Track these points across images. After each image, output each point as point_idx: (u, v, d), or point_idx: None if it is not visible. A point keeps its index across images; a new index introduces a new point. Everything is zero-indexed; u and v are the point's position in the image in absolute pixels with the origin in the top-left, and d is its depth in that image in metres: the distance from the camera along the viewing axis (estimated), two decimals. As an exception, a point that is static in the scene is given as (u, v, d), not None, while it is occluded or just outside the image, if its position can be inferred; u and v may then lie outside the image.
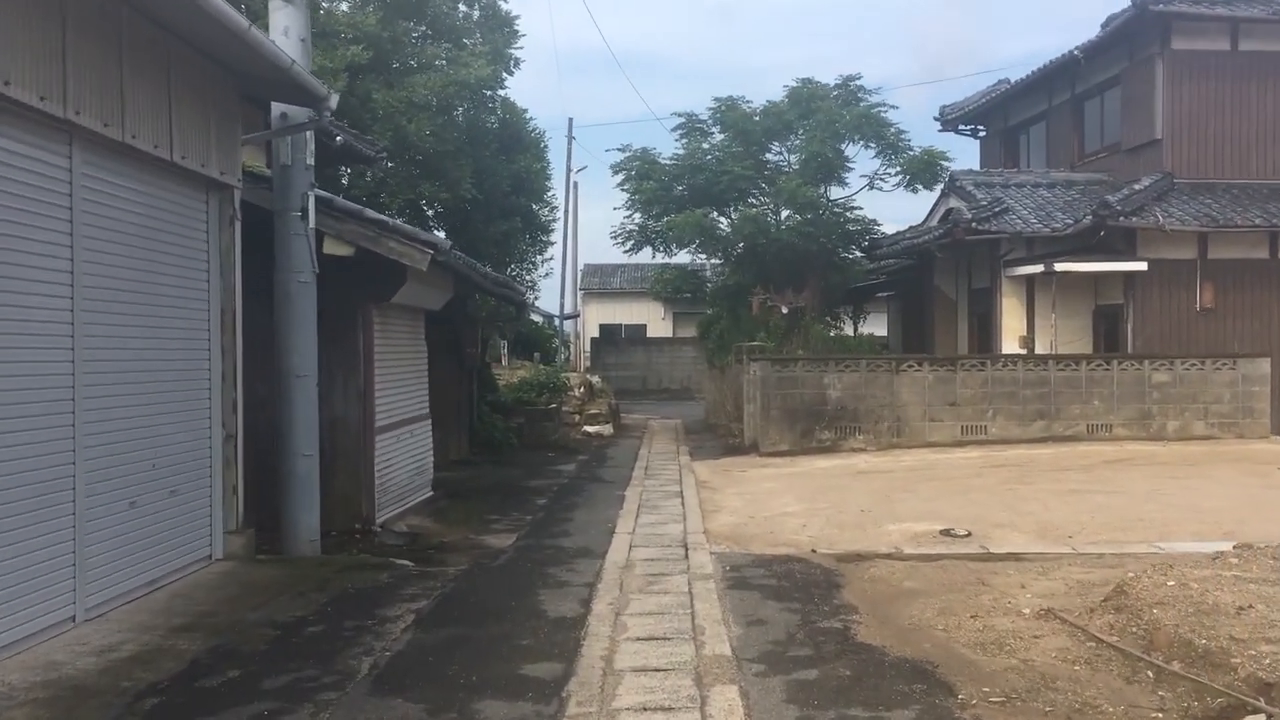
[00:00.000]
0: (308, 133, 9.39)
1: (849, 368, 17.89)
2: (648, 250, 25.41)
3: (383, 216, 9.99)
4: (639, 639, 6.70)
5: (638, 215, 23.86)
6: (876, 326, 33.95)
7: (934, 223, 22.63)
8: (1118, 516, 11.22)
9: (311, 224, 9.35)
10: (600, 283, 49.90)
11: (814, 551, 9.71)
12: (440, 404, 16.62)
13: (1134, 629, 6.45)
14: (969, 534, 10.46)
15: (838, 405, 17.78)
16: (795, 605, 7.62)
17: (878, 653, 6.36)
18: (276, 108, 9.29)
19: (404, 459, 11.72)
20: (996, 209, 19.62)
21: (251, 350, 9.40)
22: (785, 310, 21.29)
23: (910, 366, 18.01)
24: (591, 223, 73.61)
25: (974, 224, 19.00)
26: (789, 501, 12.85)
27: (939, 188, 22.57)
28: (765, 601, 7.76)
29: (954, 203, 21.56)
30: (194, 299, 8.47)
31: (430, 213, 28.53)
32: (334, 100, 8.90)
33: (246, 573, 8.39)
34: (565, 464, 17.37)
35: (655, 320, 47.88)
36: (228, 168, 8.69)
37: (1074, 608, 7.21)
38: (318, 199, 9.69)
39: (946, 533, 10.53)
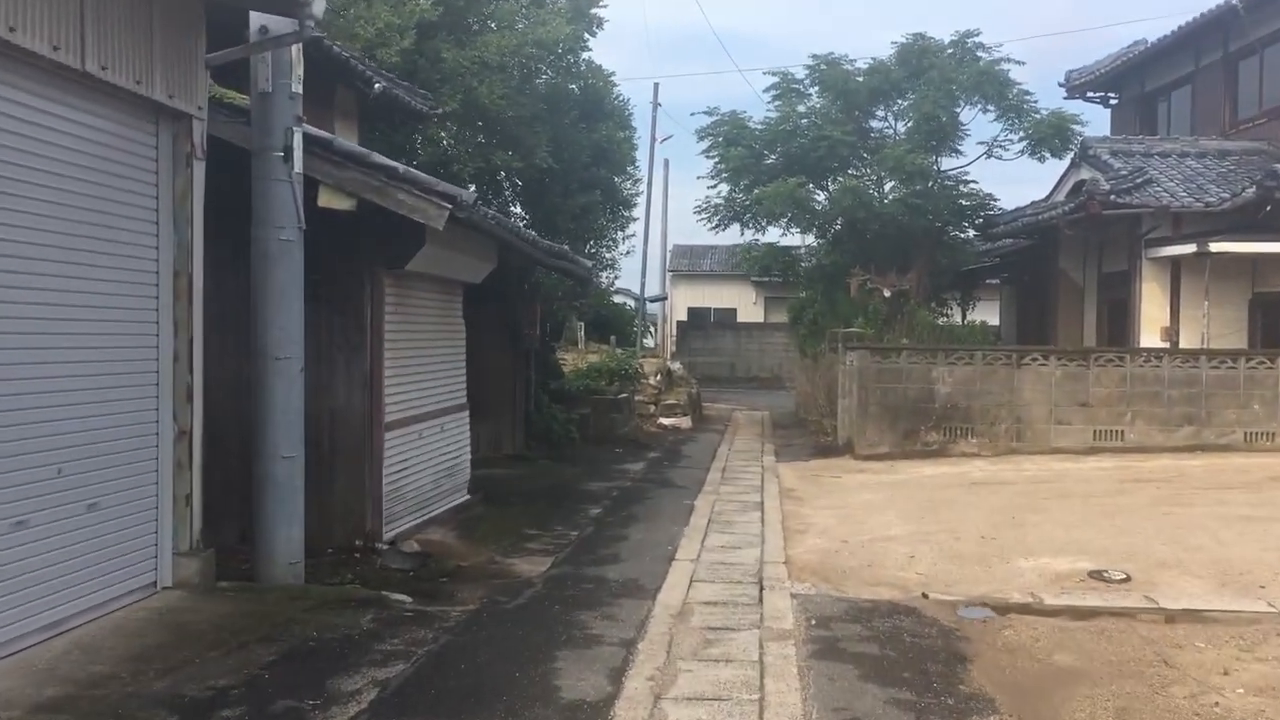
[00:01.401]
0: (294, 54, 7.47)
1: (962, 360, 15.50)
2: (736, 229, 23.31)
3: (392, 163, 8.03)
4: (679, 753, 4.64)
5: (724, 186, 21.65)
6: (986, 314, 31.27)
7: (1060, 197, 19.97)
8: (1320, 558, 8.78)
9: (297, 167, 7.44)
10: (690, 264, 47.73)
11: (926, 597, 7.52)
12: (489, 392, 14.77)
13: None
14: (1127, 577, 8.15)
15: (947, 403, 15.42)
16: (906, 692, 5.47)
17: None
18: (255, 19, 7.38)
19: (427, 459, 9.82)
20: (1138, 180, 16.96)
21: (235, 326, 7.63)
22: (887, 294, 18.93)
23: (1034, 360, 15.54)
24: (680, 204, 71.39)
25: (1112, 196, 16.40)
26: (891, 520, 10.63)
27: (1068, 158, 19.88)
28: (863, 684, 5.61)
29: (1085, 174, 18.90)
30: (136, 257, 6.63)
31: (506, 185, 26.91)
32: (319, 6, 6.94)
33: (192, 610, 6.54)
34: (632, 462, 15.35)
35: (746, 304, 45.58)
36: (181, 90, 6.81)
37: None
38: (313, 139, 7.80)
39: (1097, 575, 8.23)
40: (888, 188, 20.76)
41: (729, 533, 9.98)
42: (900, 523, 10.48)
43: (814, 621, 6.83)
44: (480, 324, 14.84)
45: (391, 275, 8.78)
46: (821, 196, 20.67)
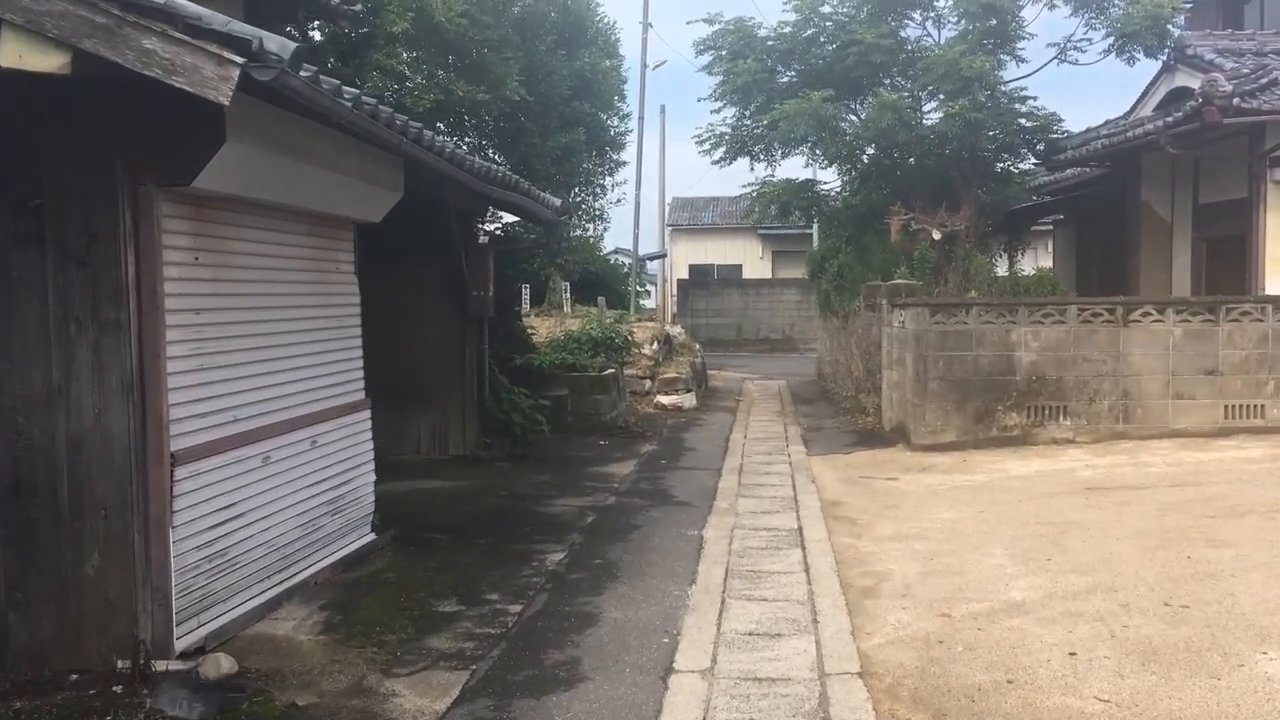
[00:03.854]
0: None
1: (1051, 318, 11.81)
2: (743, 166, 19.54)
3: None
4: None
5: (730, 111, 17.77)
6: (1033, 261, 27.74)
7: (1145, 111, 16.20)
8: None
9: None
10: (690, 218, 43.89)
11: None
12: (428, 373, 11.28)
13: None
14: None
15: (1032, 374, 11.76)
16: None
17: None
18: None
19: (280, 498, 6.18)
20: (1262, 80, 13.18)
21: None
22: (937, 236, 15.20)
23: (1147, 316, 11.84)
24: (679, 154, 67.14)
25: (1236, 100, 12.62)
26: (1002, 564, 7.03)
27: (1157, 64, 16.05)
28: None
29: (1183, 79, 15.14)
30: None
31: (471, 123, 23.10)
32: None
33: None
34: (619, 462, 11.71)
35: (753, 260, 41.83)
36: None
37: None
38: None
39: None
40: (929, 108, 16.95)
41: (759, 598, 6.37)
42: (1019, 569, 6.87)
43: None
44: (412, 285, 11.28)
45: (175, 198, 5.11)
46: (851, 120, 16.80)
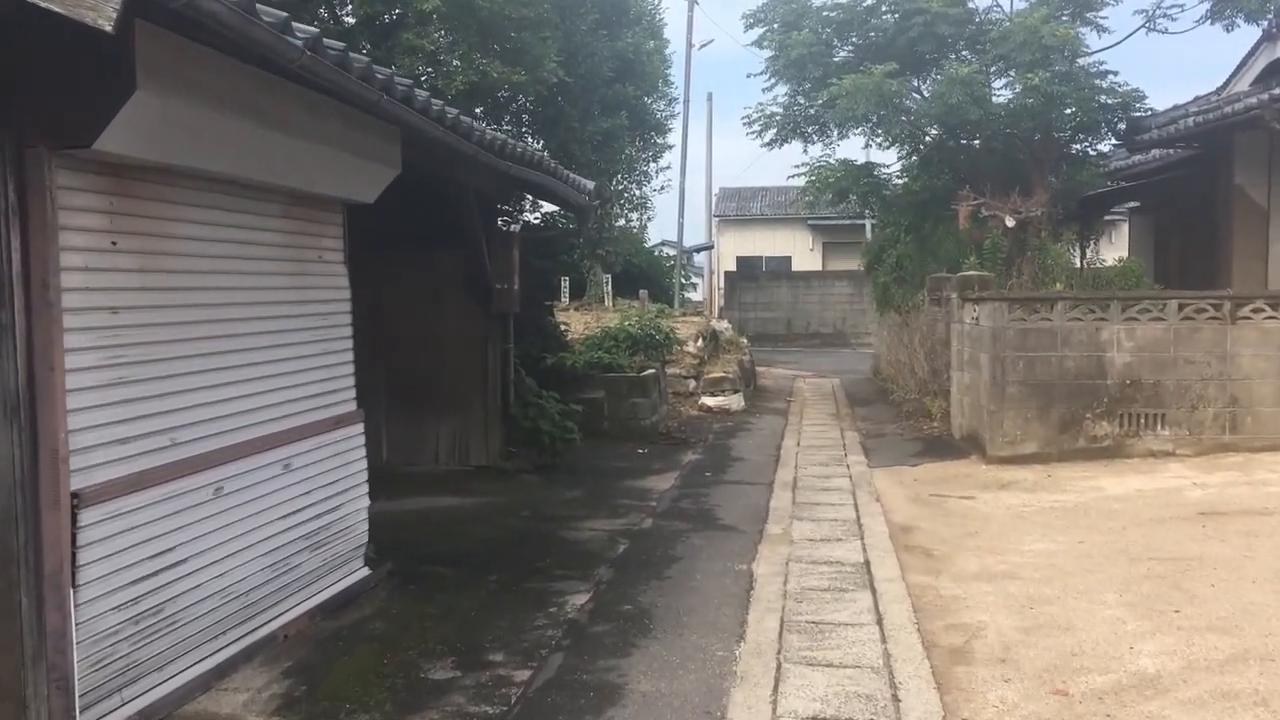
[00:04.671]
0: None
1: (1149, 314, 10.45)
2: (791, 158, 18.22)
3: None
4: None
5: (781, 90, 16.45)
6: (1102, 253, 26.07)
7: (1242, 86, 14.70)
8: None
9: None
10: (738, 208, 42.57)
11: None
12: (446, 376, 10.21)
13: None
14: None
15: (1125, 377, 10.41)
16: None
17: None
18: None
19: (233, 539, 5.06)
20: (1385, 46, 11.69)
21: None
22: (1010, 223, 13.82)
23: (1259, 313, 10.43)
24: (726, 143, 65.63)
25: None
26: (1119, 615, 5.75)
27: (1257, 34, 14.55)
28: None
29: (1288, 48, 13.64)
30: None
31: (508, 107, 21.97)
32: None
33: None
34: (658, 474, 10.52)
35: (802, 251, 40.44)
36: None
37: None
38: None
39: None
40: (998, 85, 15.53)
41: (823, 662, 5.15)
42: (1142, 624, 5.60)
43: None
44: (428, 278, 10.19)
45: (78, 165, 3.99)
46: (915, 97, 15.41)
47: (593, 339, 13.59)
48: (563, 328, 13.45)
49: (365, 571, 6.54)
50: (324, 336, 6.10)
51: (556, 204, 11.22)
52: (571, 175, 10.13)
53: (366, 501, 6.59)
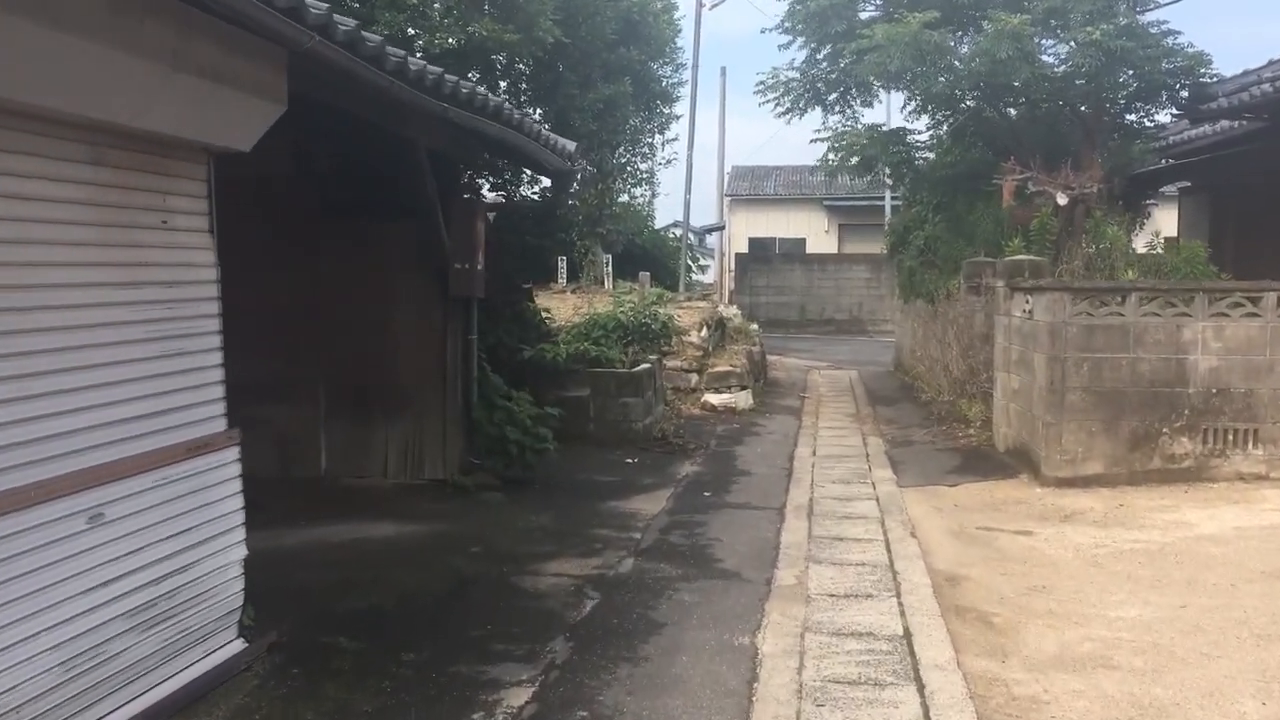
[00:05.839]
0: None
1: (1240, 309, 8.69)
2: (806, 132, 16.37)
3: None
4: None
5: (799, 54, 14.61)
6: (1142, 237, 24.21)
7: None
8: None
9: None
10: (750, 187, 40.73)
11: None
12: (398, 373, 8.53)
13: None
14: None
15: (1210, 384, 8.68)
16: None
17: None
18: None
19: (-21, 637, 3.41)
20: None
21: None
22: (1062, 201, 12.04)
23: (1376, 307, 8.67)
24: (739, 118, 63.53)
25: None
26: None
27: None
28: None
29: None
30: None
31: (502, 71, 20.20)
32: None
33: None
34: (646, 494, 8.79)
35: (817, 233, 38.59)
36: None
37: None
38: None
39: None
40: (1047, 44, 13.68)
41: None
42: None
43: None
44: (372, 254, 8.53)
45: None
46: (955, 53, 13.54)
47: (579, 328, 11.85)
48: (545, 315, 11.70)
49: (238, 646, 4.87)
50: (167, 333, 4.41)
51: (529, 167, 9.53)
52: (548, 134, 8.39)
53: (242, 552, 4.91)
